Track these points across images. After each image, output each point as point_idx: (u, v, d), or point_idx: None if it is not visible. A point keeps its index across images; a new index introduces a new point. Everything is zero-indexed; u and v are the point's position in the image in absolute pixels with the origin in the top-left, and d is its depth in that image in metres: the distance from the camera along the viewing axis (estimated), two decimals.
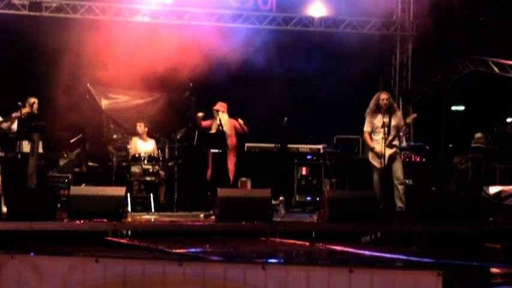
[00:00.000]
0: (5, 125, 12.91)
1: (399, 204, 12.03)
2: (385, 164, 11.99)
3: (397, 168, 12.21)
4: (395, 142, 12.33)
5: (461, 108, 19.99)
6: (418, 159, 15.26)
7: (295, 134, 15.55)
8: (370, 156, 12.32)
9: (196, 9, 16.46)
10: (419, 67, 17.79)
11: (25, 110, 12.69)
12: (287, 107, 15.17)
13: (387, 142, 12.02)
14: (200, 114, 13.29)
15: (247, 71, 15.73)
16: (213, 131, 12.97)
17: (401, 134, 12.75)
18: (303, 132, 16.28)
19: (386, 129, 12.00)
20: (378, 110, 12.32)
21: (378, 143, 12.12)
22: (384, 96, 12.43)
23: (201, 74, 15.53)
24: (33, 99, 13.07)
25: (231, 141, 13.04)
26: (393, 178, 12.16)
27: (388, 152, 12.06)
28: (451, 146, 16.50)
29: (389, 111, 12.24)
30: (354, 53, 15.75)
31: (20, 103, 12.67)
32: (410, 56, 17.83)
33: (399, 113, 12.88)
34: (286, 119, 13.75)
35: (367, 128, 12.40)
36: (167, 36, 15.30)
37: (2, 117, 12.96)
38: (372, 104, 12.42)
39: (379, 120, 12.22)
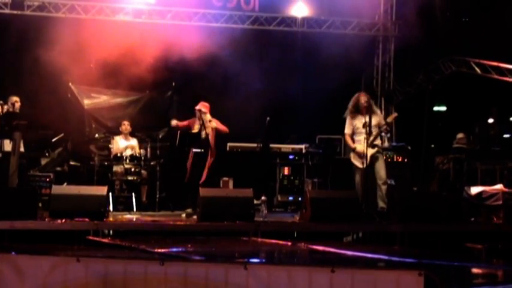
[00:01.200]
0: None
1: (381, 204, 12.02)
2: (367, 164, 12.00)
3: (380, 168, 12.20)
4: (377, 142, 12.33)
5: (443, 108, 20.10)
6: (400, 160, 15.25)
7: (278, 133, 15.55)
8: (352, 156, 12.32)
9: (179, 8, 16.40)
10: (401, 67, 17.81)
11: (6, 108, 12.62)
12: (269, 107, 15.13)
13: (369, 142, 12.03)
14: (173, 122, 13.23)
15: (229, 70, 15.70)
16: (195, 130, 12.90)
17: (383, 134, 12.77)
18: (285, 132, 16.28)
19: (367, 129, 12.01)
20: (357, 110, 12.31)
21: (359, 143, 12.09)
22: (363, 97, 12.40)
23: (183, 73, 15.53)
24: (15, 98, 13.00)
25: (212, 141, 12.91)
26: (376, 178, 12.18)
27: (370, 151, 12.06)
28: (433, 146, 16.57)
29: (369, 111, 12.23)
30: (336, 53, 15.73)
31: (1, 101, 12.61)
32: (392, 56, 17.83)
33: (379, 112, 12.91)
34: (268, 119, 13.76)
35: (347, 130, 12.41)
36: (149, 36, 15.29)
37: None
38: (350, 105, 12.40)
39: (359, 120, 12.20)
